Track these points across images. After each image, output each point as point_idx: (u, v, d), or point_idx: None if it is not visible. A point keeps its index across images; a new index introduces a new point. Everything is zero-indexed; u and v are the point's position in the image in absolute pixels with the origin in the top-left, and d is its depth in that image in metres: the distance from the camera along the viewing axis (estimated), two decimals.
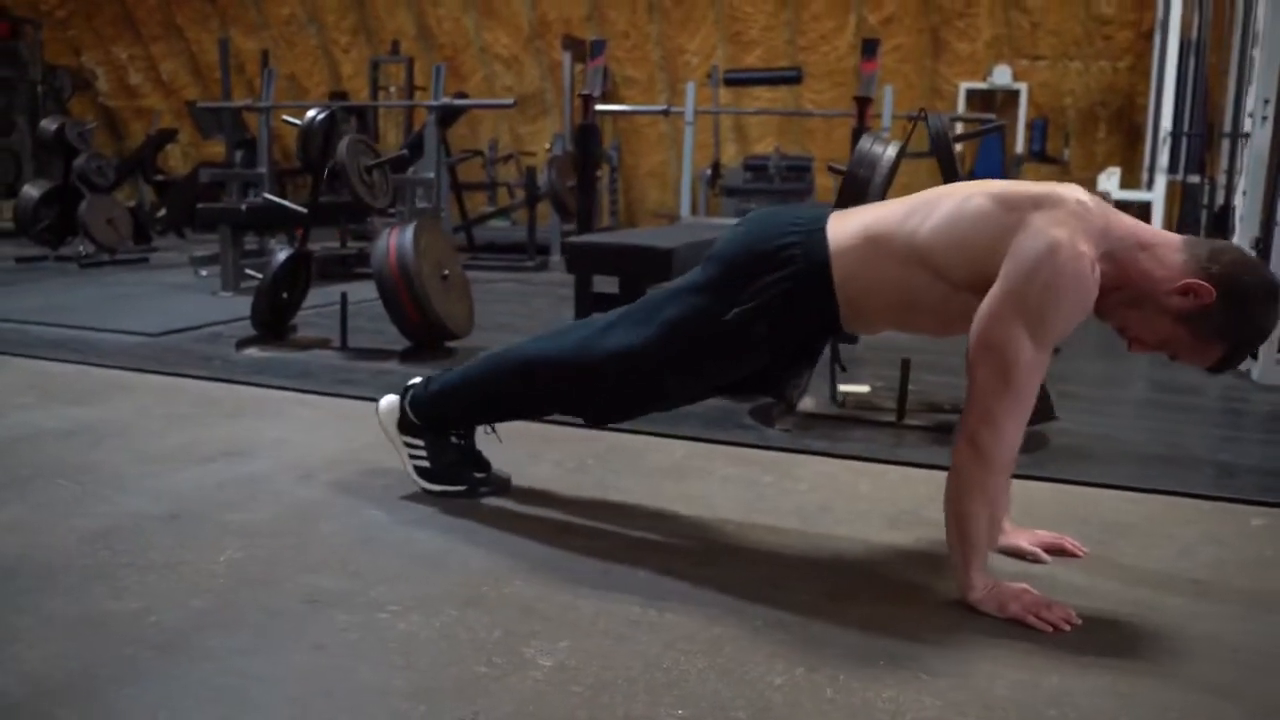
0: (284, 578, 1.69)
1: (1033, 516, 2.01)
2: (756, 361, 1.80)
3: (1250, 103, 4.50)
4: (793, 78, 7.39)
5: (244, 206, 5.29)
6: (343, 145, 3.59)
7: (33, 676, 1.35)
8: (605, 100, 7.49)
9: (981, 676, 1.41)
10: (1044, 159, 7.57)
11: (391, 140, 8.53)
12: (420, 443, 2.08)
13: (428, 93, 6.21)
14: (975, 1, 7.46)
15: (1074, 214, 1.53)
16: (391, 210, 5.87)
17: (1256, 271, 1.57)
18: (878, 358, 3.55)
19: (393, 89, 8.52)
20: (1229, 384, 3.51)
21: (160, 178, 8.46)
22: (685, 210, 6.26)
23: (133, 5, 9.81)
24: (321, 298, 4.19)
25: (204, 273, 5.62)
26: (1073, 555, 1.85)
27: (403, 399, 2.08)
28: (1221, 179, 6.24)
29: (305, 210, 3.87)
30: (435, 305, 3.44)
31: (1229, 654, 1.50)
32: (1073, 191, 1.58)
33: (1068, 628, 1.54)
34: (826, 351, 2.60)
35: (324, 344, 3.68)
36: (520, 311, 4.81)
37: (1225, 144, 6.13)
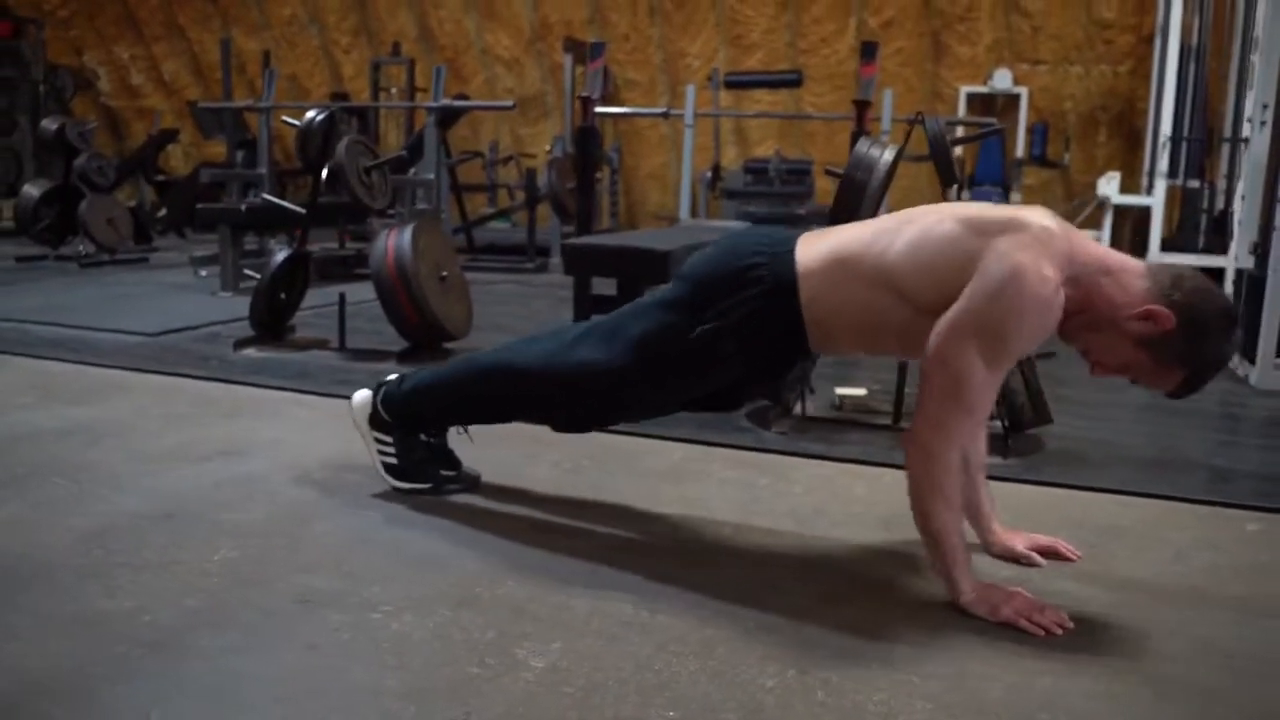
0: (277, 577, 1.69)
1: (1028, 520, 2.01)
2: (721, 379, 1.82)
3: (1250, 108, 4.50)
4: (793, 81, 7.39)
5: (244, 207, 5.29)
6: (341, 146, 3.59)
7: (25, 674, 1.36)
8: (606, 102, 7.50)
9: (974, 679, 1.41)
10: (1044, 163, 7.57)
11: (392, 141, 8.53)
12: (390, 439, 2.10)
13: (429, 94, 6.22)
14: (976, 5, 7.46)
15: (1039, 239, 1.55)
16: (391, 211, 5.88)
17: (1216, 300, 1.59)
18: (875, 361, 3.55)
19: (394, 90, 8.52)
20: (1226, 389, 3.51)
21: (161, 178, 8.47)
22: (685, 213, 6.26)
23: (135, 5, 9.82)
24: (320, 298, 4.20)
25: (203, 273, 5.63)
26: (1067, 559, 1.85)
27: (376, 395, 2.10)
28: (1221, 184, 6.25)
29: (304, 211, 3.88)
30: (433, 306, 3.44)
31: (1222, 659, 1.50)
32: (1038, 217, 1.59)
33: (1060, 631, 1.54)
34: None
35: (322, 344, 3.68)
36: (519, 313, 4.81)
37: (1225, 149, 6.14)
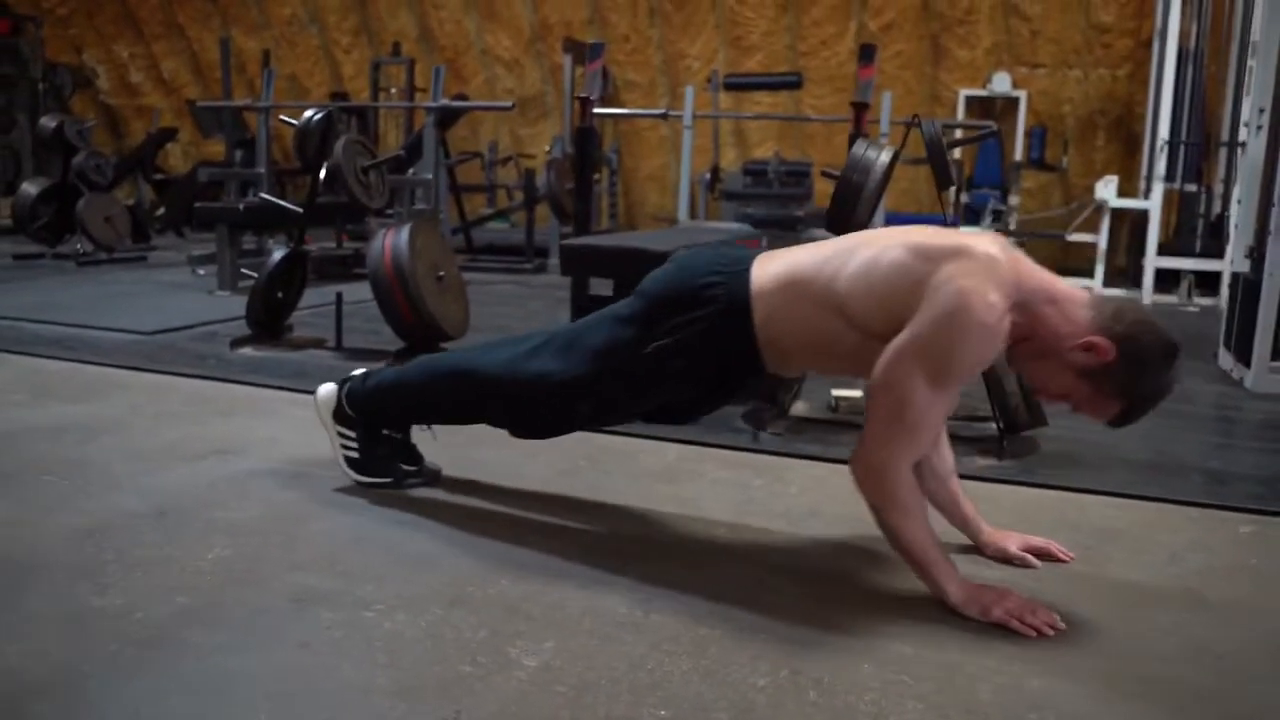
0: (271, 576, 1.69)
1: (1022, 522, 2.01)
2: (673, 395, 1.85)
3: (1247, 112, 4.51)
4: (793, 83, 7.39)
5: (242, 206, 5.29)
6: (338, 146, 3.59)
7: (14, 671, 1.35)
8: (606, 103, 7.50)
9: (964, 680, 1.41)
10: (1043, 166, 7.57)
11: (392, 141, 8.53)
12: (352, 434, 2.12)
13: (428, 94, 6.22)
14: (975, 9, 7.47)
15: (985, 266, 1.56)
16: (389, 211, 5.88)
17: (1157, 333, 1.60)
18: None
19: (394, 90, 8.52)
20: (1222, 391, 3.52)
21: (159, 176, 8.47)
22: (683, 214, 6.26)
23: (134, 4, 9.82)
24: (318, 298, 4.20)
25: (201, 272, 5.63)
26: (1060, 560, 1.85)
27: (340, 390, 2.12)
28: (1218, 188, 6.26)
29: (301, 210, 3.88)
30: (430, 306, 3.44)
31: (1214, 660, 1.50)
32: (985, 245, 1.59)
33: (1052, 632, 1.55)
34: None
35: (319, 344, 3.68)
36: (516, 314, 4.81)
37: (1222, 153, 6.15)
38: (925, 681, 1.40)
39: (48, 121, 6.34)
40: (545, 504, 2.13)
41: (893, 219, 7.00)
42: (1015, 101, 7.46)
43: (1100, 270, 6.29)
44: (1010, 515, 2.02)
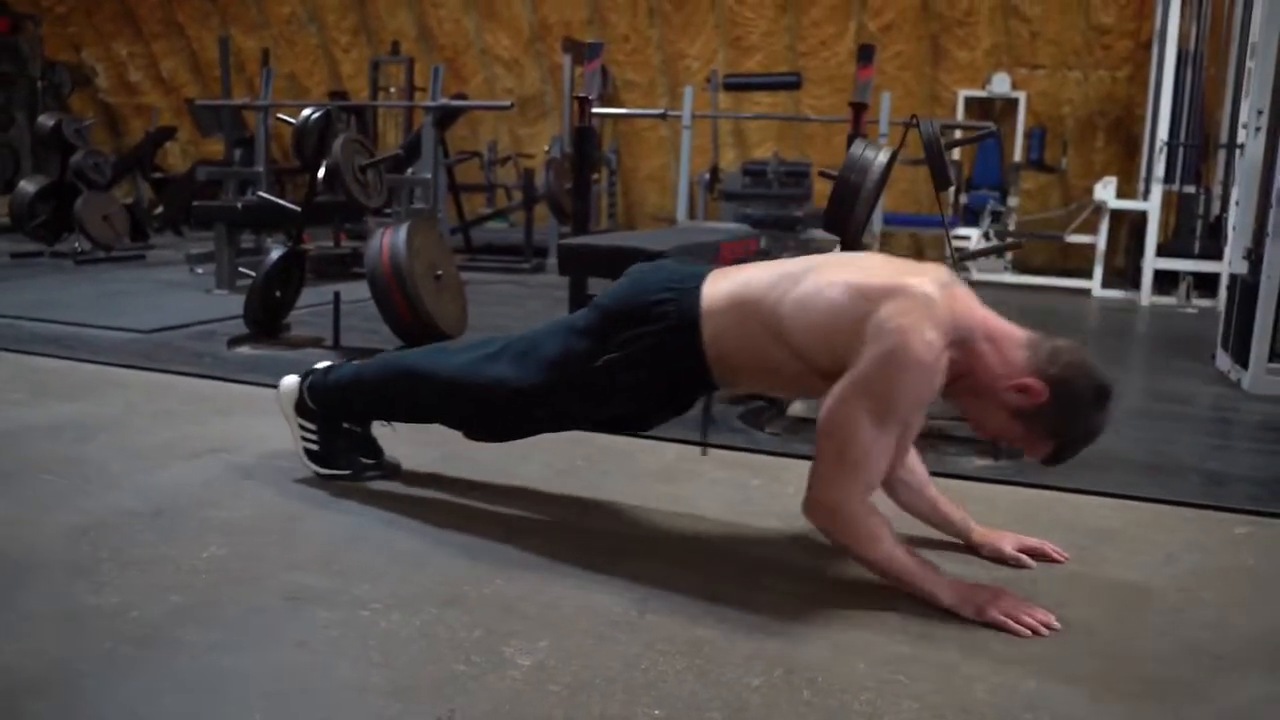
0: (266, 574, 1.69)
1: (1018, 522, 2.01)
2: (623, 407, 1.89)
3: (1245, 114, 4.51)
4: (792, 83, 7.39)
5: (240, 205, 5.29)
6: (337, 144, 3.59)
7: (10, 670, 1.35)
8: (606, 103, 7.50)
9: (960, 679, 1.42)
10: (1042, 167, 7.58)
11: (391, 141, 8.53)
12: (313, 426, 2.16)
13: (427, 93, 6.22)
14: (975, 10, 7.47)
15: (921, 304, 1.58)
16: (387, 210, 5.88)
17: (1090, 376, 1.62)
18: None
19: (393, 89, 8.52)
20: (1220, 393, 3.52)
21: (158, 175, 8.47)
22: (682, 214, 6.26)
23: (133, 2, 9.82)
24: (315, 297, 4.20)
25: (199, 270, 5.62)
26: (1055, 561, 1.85)
27: (303, 383, 2.15)
28: (1217, 189, 6.26)
29: (299, 209, 3.88)
30: (428, 305, 3.44)
31: (1210, 661, 1.50)
32: (922, 283, 1.61)
33: (1046, 632, 1.55)
34: None
35: (316, 343, 3.68)
36: (514, 313, 4.81)
37: (1221, 154, 6.15)
38: (920, 681, 1.40)
39: (46, 120, 6.33)
40: (541, 503, 2.13)
41: (892, 219, 7.02)
42: (1015, 102, 7.46)
43: (1099, 271, 6.30)
44: (1006, 515, 2.02)
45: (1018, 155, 7.47)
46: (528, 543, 1.88)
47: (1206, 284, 5.90)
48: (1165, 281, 6.00)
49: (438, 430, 2.20)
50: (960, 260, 3.04)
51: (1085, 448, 1.66)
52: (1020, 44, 7.52)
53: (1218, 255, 5.67)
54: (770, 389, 1.91)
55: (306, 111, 3.69)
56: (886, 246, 6.61)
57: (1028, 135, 7.52)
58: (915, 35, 7.69)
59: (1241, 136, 4.67)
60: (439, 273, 3.57)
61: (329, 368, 2.17)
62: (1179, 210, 6.58)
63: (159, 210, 7.96)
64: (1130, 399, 3.55)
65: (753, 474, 2.36)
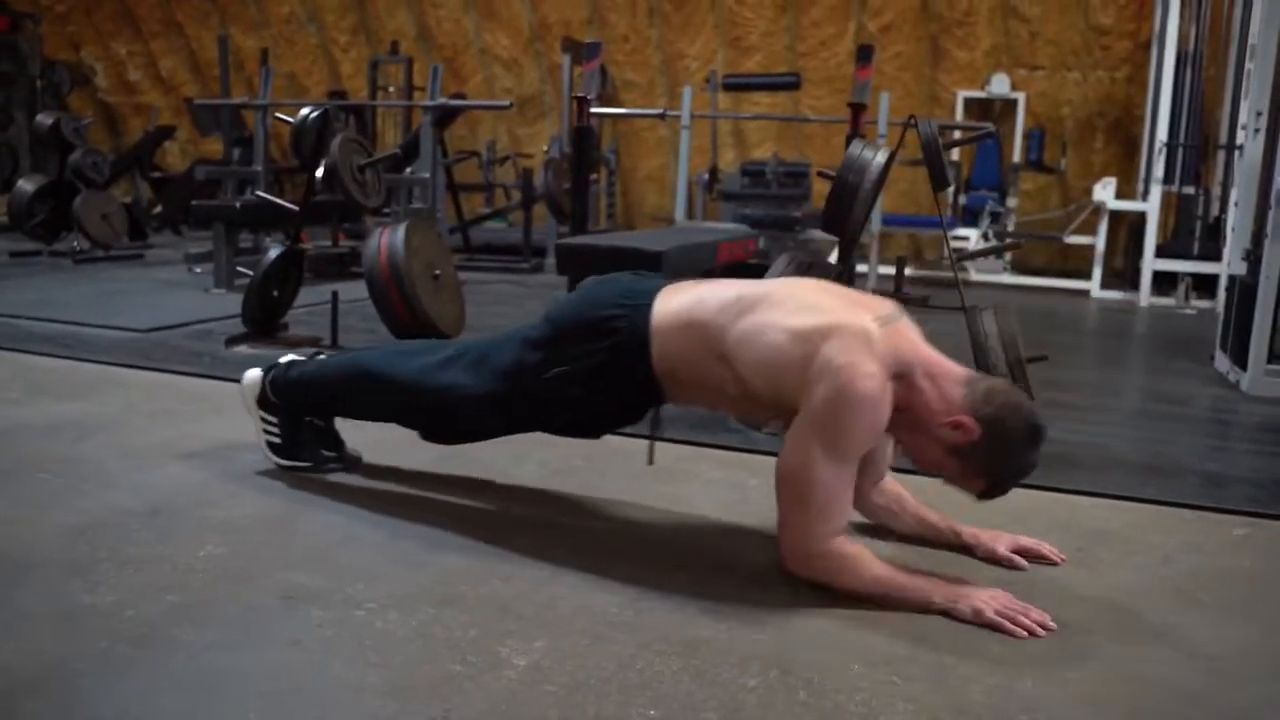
0: (262, 574, 1.69)
1: (1015, 523, 2.01)
2: (573, 417, 1.92)
3: (1244, 115, 4.51)
4: (791, 83, 7.39)
5: (238, 204, 5.29)
6: (335, 144, 3.59)
7: (7, 669, 1.35)
8: (605, 103, 7.50)
9: (956, 680, 1.41)
10: (1041, 168, 7.58)
11: (390, 140, 8.52)
12: (275, 420, 2.19)
13: (426, 93, 6.22)
14: (974, 10, 7.47)
15: (860, 340, 1.61)
16: (386, 210, 5.87)
17: (1023, 416, 1.65)
18: None
19: (392, 89, 8.52)
20: (1218, 394, 3.52)
21: (157, 174, 8.47)
22: (680, 214, 6.26)
23: (133, 1, 9.82)
24: (313, 296, 4.20)
25: (198, 270, 5.62)
26: (1051, 562, 1.85)
27: (265, 377, 2.18)
28: (1216, 190, 6.26)
29: (298, 208, 3.87)
30: (425, 305, 3.44)
31: (1205, 662, 1.50)
32: (858, 320, 1.64)
33: (1043, 633, 1.55)
34: None
35: (314, 342, 3.68)
36: (513, 313, 4.80)
37: (1220, 155, 6.15)
38: (916, 682, 1.40)
39: (45, 118, 6.33)
40: (538, 503, 2.13)
41: (890, 220, 7.02)
42: (1014, 103, 7.47)
43: (1098, 272, 6.30)
44: (1002, 516, 2.02)
45: (1017, 156, 7.47)
46: (524, 542, 1.88)
47: (1205, 285, 5.90)
48: (1164, 282, 6.00)
49: None
50: (959, 261, 3.03)
51: (1016, 484, 1.70)
52: (1019, 45, 7.52)
53: (1217, 256, 5.67)
54: (715, 407, 1.95)
55: (305, 111, 3.69)
56: (885, 247, 6.62)
57: (1027, 136, 7.53)
58: (914, 36, 7.70)
59: (1240, 137, 4.67)
60: (437, 272, 3.57)
61: (291, 363, 2.20)
62: (1178, 211, 6.59)
63: (157, 209, 7.97)
64: (1129, 400, 3.55)
65: (750, 474, 2.36)
